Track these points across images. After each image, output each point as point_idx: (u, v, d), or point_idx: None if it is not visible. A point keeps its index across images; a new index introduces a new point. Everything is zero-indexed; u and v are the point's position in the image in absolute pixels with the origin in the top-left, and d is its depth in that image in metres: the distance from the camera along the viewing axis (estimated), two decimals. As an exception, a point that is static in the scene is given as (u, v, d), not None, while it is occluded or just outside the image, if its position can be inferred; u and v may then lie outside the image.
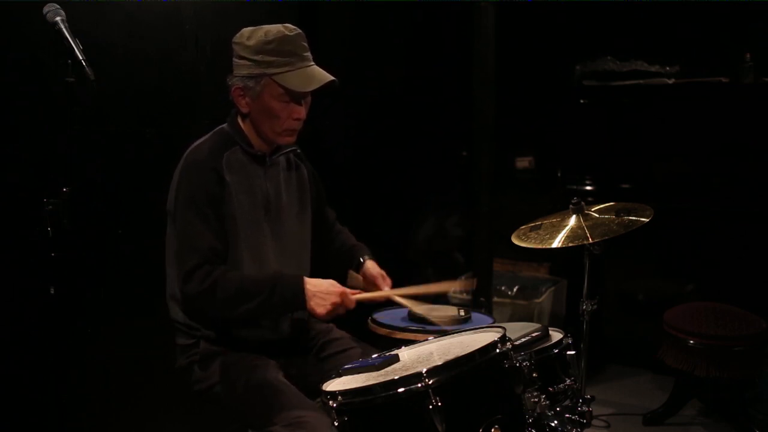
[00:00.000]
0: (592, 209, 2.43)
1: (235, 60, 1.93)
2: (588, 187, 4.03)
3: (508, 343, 1.58)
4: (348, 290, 1.89)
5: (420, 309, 2.41)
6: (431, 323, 2.23)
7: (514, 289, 3.94)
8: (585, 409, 1.85)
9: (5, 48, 2.15)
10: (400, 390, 1.44)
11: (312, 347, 2.14)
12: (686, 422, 3.27)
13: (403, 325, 2.32)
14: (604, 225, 2.30)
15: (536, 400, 1.61)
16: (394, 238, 3.87)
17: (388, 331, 2.32)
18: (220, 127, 2.02)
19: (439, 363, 1.47)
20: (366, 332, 2.32)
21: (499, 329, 1.67)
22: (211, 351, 1.96)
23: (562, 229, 2.33)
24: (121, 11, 2.46)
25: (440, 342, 1.84)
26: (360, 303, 1.96)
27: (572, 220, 2.36)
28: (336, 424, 1.50)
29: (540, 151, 4.35)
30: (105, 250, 2.46)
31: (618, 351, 3.98)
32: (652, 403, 3.38)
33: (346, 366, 1.71)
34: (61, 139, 1.68)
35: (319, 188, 2.25)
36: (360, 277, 2.14)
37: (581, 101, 4.10)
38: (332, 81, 1.91)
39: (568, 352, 1.88)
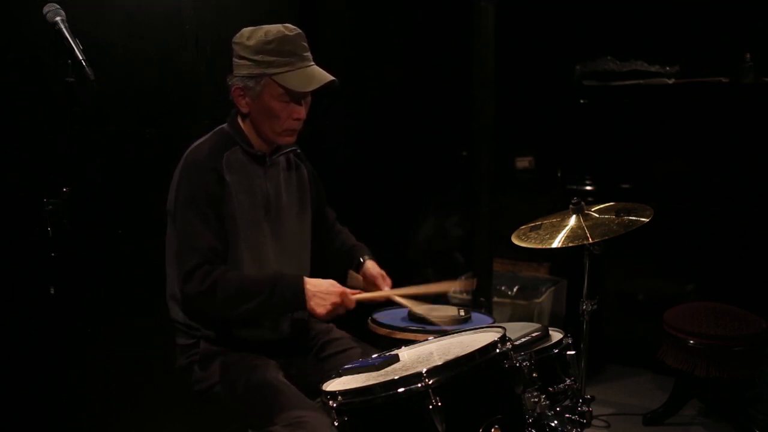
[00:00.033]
0: (592, 209, 2.43)
1: (235, 60, 1.93)
2: (588, 187, 4.03)
3: (508, 343, 1.58)
4: (348, 290, 1.89)
5: (420, 309, 2.41)
6: (431, 323, 2.23)
7: (514, 289, 3.94)
8: (585, 409, 1.85)
9: (5, 48, 2.15)
10: (400, 390, 1.44)
11: (312, 347, 2.14)
12: (686, 422, 3.27)
13: (403, 325, 2.32)
14: (604, 225, 2.30)
15: (536, 400, 1.61)
16: (394, 238, 3.87)
17: (388, 331, 2.32)
18: (220, 127, 2.02)
19: (439, 363, 1.47)
20: (366, 332, 2.32)
21: (499, 329, 1.67)
22: (211, 351, 1.96)
23: (562, 229, 2.33)
24: (121, 11, 2.46)
25: (440, 342, 1.84)
26: (360, 303, 1.96)
27: (572, 220, 2.36)
28: (336, 424, 1.50)
29: (540, 151, 4.35)
30: (105, 250, 2.45)
31: (618, 351, 3.98)
32: (652, 403, 3.38)
33: (346, 366, 1.71)
34: (61, 139, 1.68)
35: (319, 188, 2.25)
36: (360, 277, 2.14)
37: (581, 101, 4.10)
38: (332, 81, 1.91)
39: (568, 352, 1.88)
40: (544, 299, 3.88)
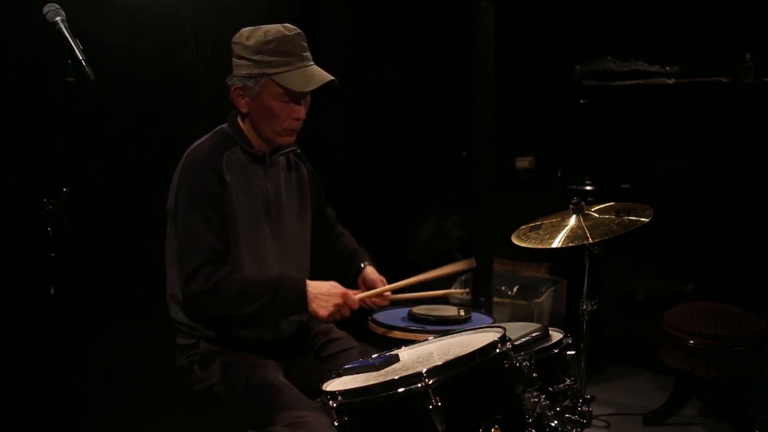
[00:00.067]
0: (592, 209, 2.43)
1: (235, 60, 1.93)
2: (588, 187, 4.03)
3: (508, 343, 1.58)
4: (350, 291, 1.89)
5: (420, 309, 2.41)
6: (431, 323, 2.24)
7: (514, 289, 3.94)
8: (585, 409, 1.85)
9: (5, 48, 2.15)
10: (400, 390, 1.44)
11: (312, 347, 2.14)
12: (686, 422, 3.27)
13: (403, 325, 2.32)
14: (604, 225, 2.30)
15: (536, 400, 1.61)
16: (394, 238, 3.87)
17: (388, 331, 2.32)
18: (220, 127, 2.02)
19: (439, 363, 1.48)
20: (366, 332, 2.32)
21: (499, 329, 1.67)
22: (211, 351, 1.96)
23: (562, 229, 2.33)
24: (121, 11, 2.46)
25: (440, 342, 1.84)
26: (362, 305, 1.96)
27: (572, 220, 2.36)
28: (336, 424, 1.50)
29: (540, 151, 4.35)
30: (105, 250, 2.45)
31: (618, 351, 3.98)
32: (652, 403, 3.38)
33: (346, 366, 1.71)
34: (61, 139, 1.68)
35: (319, 188, 2.25)
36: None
37: (581, 101, 4.10)
38: (332, 80, 1.91)
39: (568, 352, 1.88)
40: (544, 299, 3.88)
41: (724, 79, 3.67)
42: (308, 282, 1.86)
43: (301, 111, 1.94)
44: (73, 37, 1.60)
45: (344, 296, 1.86)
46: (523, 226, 2.48)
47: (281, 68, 1.87)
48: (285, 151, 2.08)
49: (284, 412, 1.78)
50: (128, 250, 2.51)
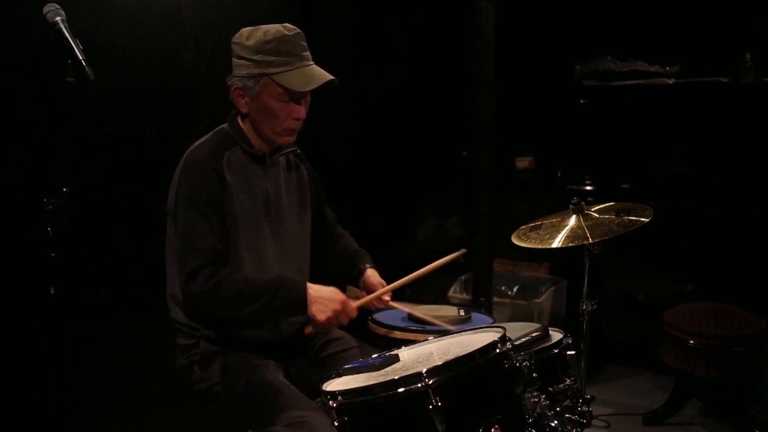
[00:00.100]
0: (592, 209, 2.43)
1: (235, 60, 1.93)
2: (588, 187, 4.03)
3: (508, 343, 1.58)
4: (348, 300, 1.89)
5: (420, 310, 2.41)
6: (431, 323, 2.24)
7: (514, 289, 3.94)
8: (585, 409, 1.85)
9: (5, 48, 2.15)
10: (400, 390, 1.44)
11: (312, 347, 2.14)
12: (686, 422, 3.27)
13: (403, 325, 2.32)
14: (604, 225, 2.30)
15: (536, 400, 1.61)
16: (394, 238, 3.87)
17: (388, 331, 2.32)
18: (220, 127, 2.02)
19: (439, 363, 1.48)
20: (366, 332, 2.32)
21: (499, 329, 1.67)
22: (211, 351, 1.96)
23: (562, 229, 2.33)
24: (121, 11, 2.46)
25: (440, 342, 1.84)
26: (362, 309, 1.97)
27: (572, 220, 2.36)
28: (336, 424, 1.50)
29: (540, 151, 4.35)
30: (105, 250, 2.45)
31: (618, 351, 3.98)
32: (652, 403, 3.38)
33: (346, 366, 1.71)
34: (61, 139, 1.68)
35: (318, 189, 2.25)
36: (359, 291, 2.14)
37: (581, 101, 4.10)
38: (331, 80, 1.91)
39: (568, 352, 1.88)
40: (544, 299, 3.88)
41: (724, 79, 3.67)
42: (310, 285, 1.86)
43: (301, 111, 1.94)
44: (73, 37, 1.60)
45: (344, 304, 1.86)
46: (523, 226, 2.48)
47: (281, 68, 1.87)
48: (285, 152, 2.08)
49: (284, 412, 1.78)
50: (128, 250, 2.51)
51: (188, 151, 1.96)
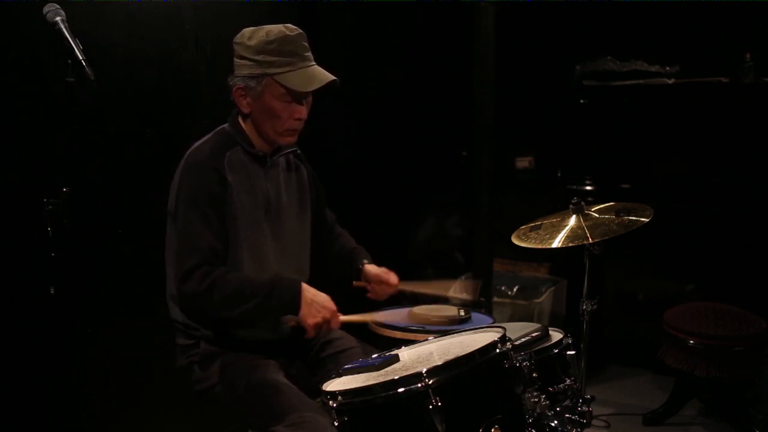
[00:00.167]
0: (592, 209, 2.43)
1: (236, 60, 1.93)
2: (588, 187, 4.03)
3: (508, 343, 1.58)
4: (338, 313, 1.90)
5: (420, 310, 2.41)
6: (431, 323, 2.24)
7: (514, 289, 3.94)
8: (585, 409, 1.85)
9: (5, 48, 2.15)
10: (400, 390, 1.44)
11: (312, 347, 2.14)
12: (686, 422, 3.27)
13: (403, 325, 2.32)
14: (604, 225, 2.30)
15: (536, 400, 1.61)
16: (394, 238, 3.87)
17: (388, 331, 2.32)
18: (221, 127, 2.02)
19: (439, 363, 1.47)
20: (366, 332, 2.32)
21: (499, 329, 1.67)
22: (212, 351, 1.96)
23: (562, 229, 2.33)
24: (121, 11, 2.46)
25: (440, 342, 1.84)
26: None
27: (572, 220, 2.36)
28: (336, 424, 1.50)
29: (540, 151, 4.35)
30: (105, 250, 2.45)
31: (618, 351, 3.98)
32: (652, 403, 3.38)
33: (346, 366, 1.71)
34: (61, 139, 1.68)
35: (318, 189, 2.25)
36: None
37: (581, 101, 4.10)
38: (333, 81, 1.91)
39: (568, 352, 1.88)
40: (544, 299, 3.88)
41: (724, 79, 3.67)
42: (306, 287, 1.86)
43: (303, 111, 1.94)
44: (73, 37, 1.60)
45: (333, 314, 1.88)
46: (523, 226, 2.48)
47: (283, 68, 1.87)
48: (285, 152, 2.09)
49: (285, 412, 1.78)
50: (128, 250, 2.51)
51: (189, 151, 1.96)
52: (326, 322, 1.86)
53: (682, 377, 3.17)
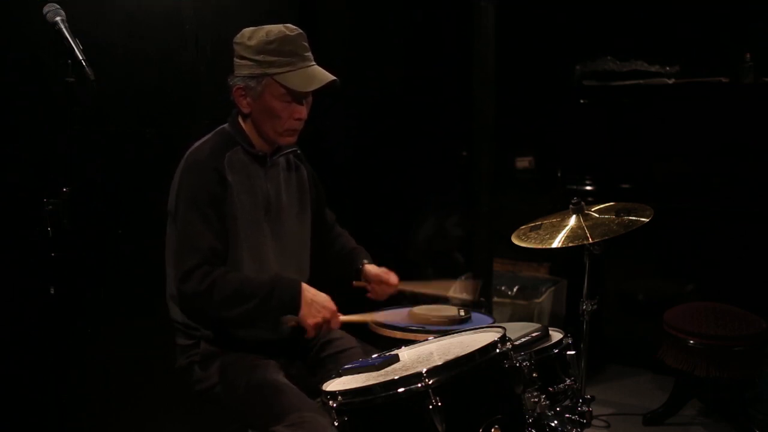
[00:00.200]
0: (592, 209, 2.43)
1: (237, 60, 1.93)
2: (588, 187, 4.03)
3: (508, 343, 1.58)
4: (338, 313, 1.90)
5: (420, 310, 2.41)
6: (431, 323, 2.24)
7: (514, 289, 3.94)
8: (585, 409, 1.85)
9: (5, 48, 2.15)
10: (400, 390, 1.44)
11: (312, 347, 2.14)
12: (686, 422, 3.27)
13: (403, 325, 2.32)
14: (604, 225, 2.30)
15: (536, 400, 1.61)
16: (394, 238, 3.87)
17: (388, 331, 2.32)
18: (221, 127, 2.02)
19: (439, 363, 1.47)
20: (366, 332, 2.32)
21: (499, 329, 1.67)
22: (212, 351, 1.96)
23: (562, 229, 2.33)
24: (121, 11, 2.46)
25: (440, 342, 1.84)
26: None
27: (572, 220, 2.36)
28: (336, 424, 1.50)
29: (540, 151, 4.35)
30: (105, 250, 2.45)
31: (618, 351, 3.98)
32: (652, 403, 3.38)
33: (346, 366, 1.71)
34: (61, 139, 1.68)
35: (318, 189, 2.26)
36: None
37: (581, 101, 4.10)
38: (333, 81, 1.91)
39: (568, 352, 1.88)
40: (544, 299, 3.88)
41: (724, 79, 3.67)
42: (306, 287, 1.87)
43: (303, 111, 1.94)
44: (73, 37, 1.60)
45: (333, 314, 1.88)
46: (523, 226, 2.48)
47: (283, 68, 1.87)
48: (285, 152, 2.09)
49: (285, 412, 1.78)
50: (128, 250, 2.51)
51: (189, 151, 1.96)
52: (326, 322, 1.86)
53: (682, 377, 3.17)
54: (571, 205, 2.40)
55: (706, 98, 3.72)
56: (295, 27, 1.92)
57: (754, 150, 3.59)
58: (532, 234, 2.38)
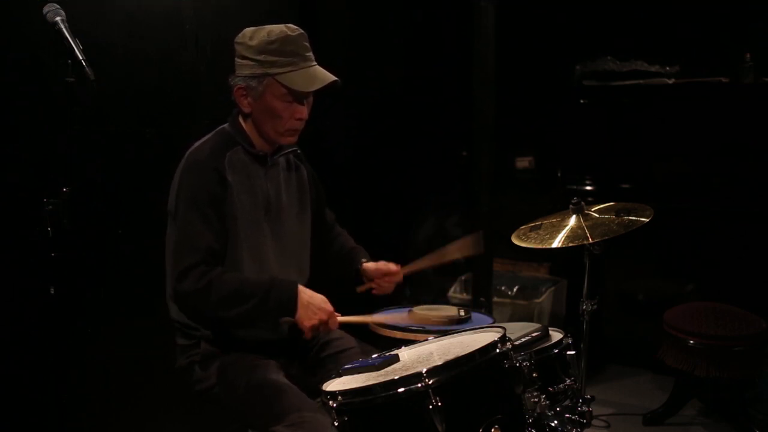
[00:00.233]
0: (592, 209, 2.43)
1: (238, 60, 1.93)
2: (588, 187, 4.03)
3: (508, 343, 1.58)
4: (335, 313, 1.90)
5: (420, 310, 2.42)
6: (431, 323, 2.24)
7: (514, 289, 3.93)
8: (585, 409, 1.85)
9: (5, 48, 2.15)
10: (400, 390, 1.44)
11: (312, 347, 2.14)
12: (686, 422, 3.27)
13: (403, 325, 2.32)
14: (604, 225, 2.30)
15: (536, 400, 1.61)
16: (394, 238, 3.87)
17: (388, 331, 2.32)
18: (222, 127, 2.02)
19: (439, 363, 1.47)
20: (366, 332, 2.32)
21: (499, 329, 1.67)
22: (212, 351, 1.96)
23: (562, 229, 2.33)
24: (121, 11, 2.46)
25: (440, 342, 1.84)
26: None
27: (572, 220, 2.36)
28: (336, 424, 1.50)
29: (540, 151, 4.35)
30: (105, 250, 2.46)
31: (618, 351, 3.98)
32: (652, 403, 3.38)
33: (346, 366, 1.71)
34: (61, 139, 1.68)
35: (318, 189, 2.25)
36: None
37: (581, 101, 4.10)
38: (335, 81, 1.91)
39: (568, 352, 1.88)
40: (544, 299, 3.88)
41: (724, 79, 3.67)
42: (302, 289, 1.87)
43: (304, 111, 1.94)
44: (73, 37, 1.61)
45: (330, 315, 1.88)
46: (523, 226, 2.48)
47: (285, 68, 1.87)
48: (286, 152, 2.09)
49: (285, 412, 1.78)
50: (128, 250, 2.51)
51: (189, 151, 1.96)
52: (323, 324, 1.86)
53: (682, 377, 3.17)
54: (571, 205, 2.40)
55: (706, 98, 3.72)
56: (296, 27, 1.92)
57: (754, 150, 3.59)
58: (532, 234, 2.38)
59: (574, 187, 4.01)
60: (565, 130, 4.15)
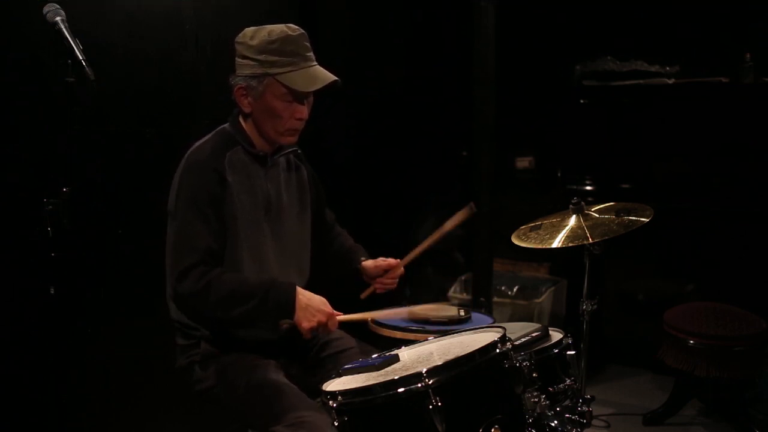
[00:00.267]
0: (592, 209, 2.43)
1: (238, 60, 1.93)
2: (588, 187, 4.03)
3: (508, 343, 1.58)
4: (335, 313, 1.90)
5: (419, 310, 2.41)
6: (431, 323, 2.24)
7: (514, 289, 3.93)
8: (585, 409, 1.85)
9: (5, 48, 2.15)
10: (400, 390, 1.44)
11: (312, 347, 2.15)
12: (686, 422, 3.27)
13: (403, 325, 2.32)
14: (604, 225, 2.30)
15: (536, 400, 1.61)
16: (394, 238, 3.86)
17: (388, 331, 2.32)
18: (222, 127, 2.02)
19: (439, 363, 1.48)
20: (366, 332, 2.32)
21: (499, 329, 1.67)
22: (212, 351, 1.96)
23: (562, 229, 2.33)
24: (121, 11, 2.46)
25: (440, 342, 1.84)
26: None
27: (572, 220, 2.36)
28: (336, 424, 1.50)
29: (540, 151, 4.35)
30: (105, 250, 2.46)
31: (618, 351, 3.98)
32: (652, 403, 3.38)
33: (346, 366, 1.71)
34: (61, 139, 1.68)
35: (318, 189, 2.26)
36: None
37: (581, 101, 4.10)
38: (335, 81, 1.91)
39: (568, 352, 1.88)
40: (544, 299, 3.88)
41: (724, 79, 3.67)
42: (301, 291, 1.87)
43: (304, 111, 1.94)
44: (73, 37, 1.61)
45: (329, 316, 1.88)
46: (523, 226, 2.48)
47: (285, 68, 1.87)
48: (286, 152, 2.09)
49: (285, 412, 1.78)
50: (128, 250, 2.51)
51: (189, 151, 1.96)
52: (321, 325, 1.86)
53: (682, 377, 3.17)
54: (571, 205, 2.40)
55: (706, 98, 3.71)
56: (297, 27, 1.92)
57: (754, 150, 3.59)
58: (532, 234, 2.38)
59: (574, 187, 4.01)
60: (565, 130, 4.15)
